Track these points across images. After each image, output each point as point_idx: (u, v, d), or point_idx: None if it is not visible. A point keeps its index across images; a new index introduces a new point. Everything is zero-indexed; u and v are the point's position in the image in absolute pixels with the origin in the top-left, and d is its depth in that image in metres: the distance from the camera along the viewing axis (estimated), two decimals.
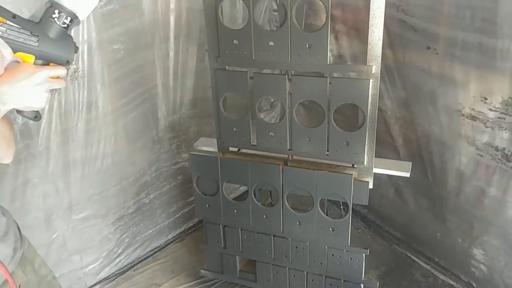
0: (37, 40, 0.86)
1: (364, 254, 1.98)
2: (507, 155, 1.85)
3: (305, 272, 2.15)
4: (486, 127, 1.87)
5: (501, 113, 1.81)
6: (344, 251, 2.00)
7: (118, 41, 2.07)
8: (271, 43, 1.78)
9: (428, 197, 2.38)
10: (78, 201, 2.19)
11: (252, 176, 2.02)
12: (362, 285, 2.07)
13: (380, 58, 1.67)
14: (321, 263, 2.08)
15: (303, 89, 1.81)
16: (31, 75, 0.85)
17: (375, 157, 1.84)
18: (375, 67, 1.68)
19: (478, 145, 1.95)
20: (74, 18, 0.89)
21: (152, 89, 2.35)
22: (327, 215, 1.98)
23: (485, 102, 1.84)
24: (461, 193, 2.14)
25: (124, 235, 2.50)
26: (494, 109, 1.82)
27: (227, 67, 1.95)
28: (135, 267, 2.60)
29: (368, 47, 1.66)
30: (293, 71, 1.84)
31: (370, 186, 1.87)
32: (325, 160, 1.94)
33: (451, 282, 2.36)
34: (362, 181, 1.87)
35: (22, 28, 0.83)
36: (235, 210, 2.13)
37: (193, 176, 2.17)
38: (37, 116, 0.93)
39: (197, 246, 2.60)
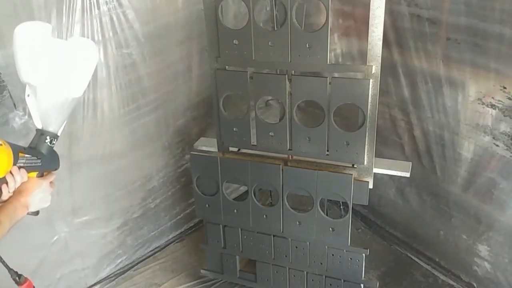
0: (40, 161, 1.19)
1: (364, 254, 1.98)
2: None
3: (305, 272, 2.15)
4: (505, 115, 1.86)
5: None
6: (344, 251, 2.00)
7: (129, 46, 2.07)
8: (271, 43, 1.78)
9: (433, 194, 2.36)
10: (81, 204, 2.19)
11: (252, 176, 2.02)
12: (362, 285, 2.07)
13: (380, 58, 1.67)
14: (321, 263, 2.08)
15: (303, 89, 1.81)
16: (40, 186, 1.20)
17: (382, 156, 1.84)
18: (375, 67, 1.68)
19: (495, 134, 1.93)
20: (57, 137, 1.24)
21: (165, 95, 2.35)
22: (327, 215, 1.98)
23: (504, 91, 1.82)
24: (471, 186, 2.13)
25: (127, 238, 2.51)
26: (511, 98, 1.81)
27: (227, 67, 1.95)
28: (135, 267, 2.60)
29: (368, 47, 1.66)
30: (293, 71, 1.84)
31: (370, 186, 1.87)
32: (325, 160, 1.94)
33: (451, 282, 2.36)
34: (362, 181, 1.87)
35: (32, 156, 1.16)
36: (235, 210, 2.13)
37: (193, 176, 2.17)
38: (38, 212, 1.24)
39: (197, 246, 2.60)
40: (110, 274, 2.50)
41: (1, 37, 1.66)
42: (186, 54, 2.37)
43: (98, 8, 1.90)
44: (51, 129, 1.21)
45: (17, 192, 1.14)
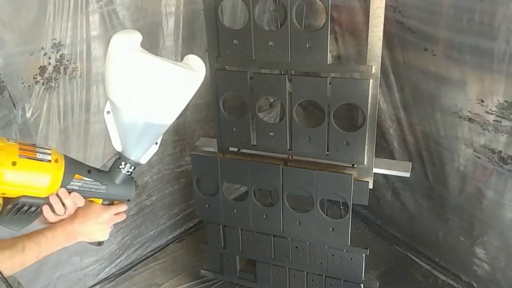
0: (106, 188, 1.04)
1: (364, 254, 1.98)
2: (503, 158, 1.84)
3: (305, 272, 2.15)
4: (483, 129, 1.87)
5: (497, 116, 1.80)
6: (344, 251, 2.00)
7: None
8: (271, 43, 1.78)
9: (428, 197, 2.37)
10: None
11: (252, 176, 2.02)
12: (362, 285, 2.07)
13: (380, 58, 1.67)
14: (321, 263, 2.08)
15: (303, 89, 1.81)
16: (99, 216, 1.04)
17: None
18: (375, 67, 1.68)
19: (476, 147, 1.94)
20: (137, 166, 1.07)
21: None
22: (327, 215, 1.98)
23: (481, 105, 1.83)
24: (462, 193, 2.14)
25: (126, 238, 2.50)
26: (490, 112, 1.81)
27: (227, 67, 1.95)
28: (135, 267, 2.60)
29: (368, 47, 1.66)
30: (293, 71, 1.84)
31: (370, 186, 1.87)
32: (325, 160, 1.94)
33: (451, 282, 2.36)
34: (362, 181, 1.87)
35: (95, 181, 1.02)
36: (235, 210, 2.13)
37: (193, 176, 2.17)
38: (100, 243, 1.11)
39: (197, 246, 2.60)
40: (110, 275, 2.49)
41: (0, 37, 1.66)
42: (185, 53, 2.36)
43: (91, 5, 1.89)
44: (132, 157, 1.05)
45: (71, 217, 1.02)
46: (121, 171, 1.05)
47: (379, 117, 2.39)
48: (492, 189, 1.95)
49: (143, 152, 1.07)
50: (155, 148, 1.10)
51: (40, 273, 2.13)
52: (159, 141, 1.11)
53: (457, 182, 2.13)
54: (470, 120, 1.90)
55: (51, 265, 2.17)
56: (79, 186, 0.99)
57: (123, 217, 1.11)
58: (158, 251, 2.72)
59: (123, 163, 1.05)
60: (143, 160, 1.09)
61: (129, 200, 1.12)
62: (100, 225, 1.06)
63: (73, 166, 0.98)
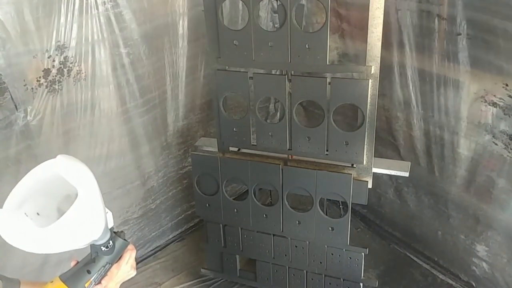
0: (108, 264, 1.08)
1: (363, 253, 1.99)
2: None
3: (305, 271, 2.17)
4: (505, 114, 1.86)
5: None
6: (344, 250, 2.02)
7: (127, 45, 2.09)
8: (271, 44, 1.79)
9: (431, 194, 2.38)
10: None
11: (252, 176, 2.03)
12: (361, 284, 2.08)
13: (379, 59, 1.68)
14: (321, 262, 2.09)
15: (303, 89, 1.82)
16: (118, 268, 1.11)
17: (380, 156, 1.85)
18: (374, 67, 1.69)
19: (495, 133, 1.94)
20: (111, 235, 1.08)
21: (162, 95, 2.36)
22: (326, 214, 1.99)
23: (506, 89, 1.82)
24: (470, 186, 2.14)
25: (128, 240, 2.51)
26: None
27: (227, 67, 1.96)
28: (136, 266, 2.60)
29: (368, 48, 1.67)
30: (292, 72, 1.85)
31: (369, 185, 1.88)
32: (325, 160, 1.95)
33: (450, 281, 2.37)
34: (361, 180, 1.88)
35: (98, 273, 1.05)
36: (235, 210, 2.14)
37: (193, 176, 2.18)
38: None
39: (197, 246, 2.61)
40: None
41: (2, 37, 1.67)
42: (191, 55, 2.38)
43: (96, 8, 1.91)
44: (100, 241, 1.04)
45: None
46: (103, 249, 1.06)
47: (387, 113, 2.40)
48: (505, 178, 1.95)
49: (103, 224, 1.02)
50: (110, 215, 1.08)
51: (42, 272, 2.14)
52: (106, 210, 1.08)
53: (468, 174, 2.13)
54: (494, 104, 1.89)
55: (52, 264, 2.18)
56: (95, 283, 1.04)
57: (133, 250, 1.17)
58: (158, 250, 2.73)
59: (101, 248, 1.06)
60: (110, 223, 1.08)
61: (127, 246, 1.15)
62: (124, 273, 1.13)
63: (77, 281, 1.01)
